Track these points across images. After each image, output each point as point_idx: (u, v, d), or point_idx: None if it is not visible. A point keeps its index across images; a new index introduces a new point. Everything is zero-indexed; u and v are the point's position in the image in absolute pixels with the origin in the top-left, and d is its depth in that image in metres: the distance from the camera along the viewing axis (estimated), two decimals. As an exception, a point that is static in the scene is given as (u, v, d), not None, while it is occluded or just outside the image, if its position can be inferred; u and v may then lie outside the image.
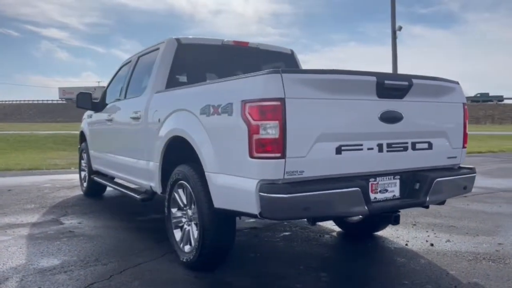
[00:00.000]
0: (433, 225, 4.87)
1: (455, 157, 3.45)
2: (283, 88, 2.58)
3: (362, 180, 2.90)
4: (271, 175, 2.59)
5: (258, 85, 2.66)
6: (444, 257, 3.71)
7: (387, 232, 4.51)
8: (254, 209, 2.62)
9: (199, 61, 4.54)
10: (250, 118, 2.63)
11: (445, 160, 3.39)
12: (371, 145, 2.94)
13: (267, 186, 2.57)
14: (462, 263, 3.56)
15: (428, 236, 4.42)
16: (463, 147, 3.49)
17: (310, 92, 2.66)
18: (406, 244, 4.11)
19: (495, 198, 6.59)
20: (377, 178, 3.05)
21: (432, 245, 4.09)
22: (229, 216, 3.17)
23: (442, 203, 3.40)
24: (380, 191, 3.07)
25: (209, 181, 3.04)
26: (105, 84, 8.70)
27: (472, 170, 3.47)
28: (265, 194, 2.55)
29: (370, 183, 3.00)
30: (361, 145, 2.89)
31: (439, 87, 3.28)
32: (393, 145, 3.04)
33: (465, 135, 3.49)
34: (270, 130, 2.57)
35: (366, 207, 2.81)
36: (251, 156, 2.63)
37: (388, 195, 3.11)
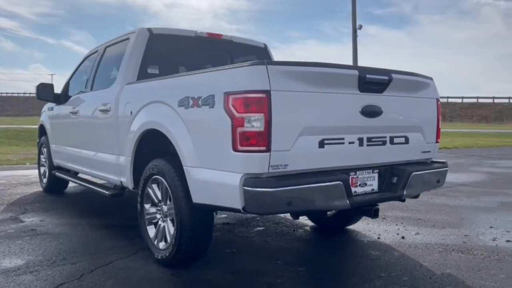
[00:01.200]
0: (402, 219, 4.99)
1: (429, 151, 3.53)
2: (268, 80, 2.53)
3: (344, 174, 2.91)
4: (256, 168, 2.54)
5: (243, 77, 2.59)
6: (416, 249, 3.80)
7: (359, 226, 4.57)
8: (238, 204, 2.56)
9: (172, 52, 4.40)
10: (234, 111, 2.56)
11: (420, 154, 3.46)
12: (352, 139, 2.94)
13: (251, 180, 2.51)
14: (434, 255, 3.65)
15: (398, 229, 4.51)
16: (436, 141, 3.58)
17: (295, 85, 2.62)
18: (379, 238, 4.18)
19: (455, 192, 6.85)
20: (357, 172, 3.06)
21: (403, 238, 4.18)
22: (208, 211, 3.09)
23: (416, 196, 3.47)
24: (359, 185, 3.08)
25: (188, 175, 2.95)
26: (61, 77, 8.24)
27: (444, 164, 3.56)
28: (250, 188, 2.50)
29: (350, 177, 3.01)
30: (343, 139, 2.89)
31: (416, 83, 3.34)
32: (373, 139, 3.07)
33: (438, 130, 3.58)
34: (255, 123, 2.51)
35: (347, 201, 2.81)
36: (235, 150, 2.56)
37: (367, 188, 3.13)
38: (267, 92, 2.51)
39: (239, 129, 2.54)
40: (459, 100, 69.91)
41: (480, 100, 68.77)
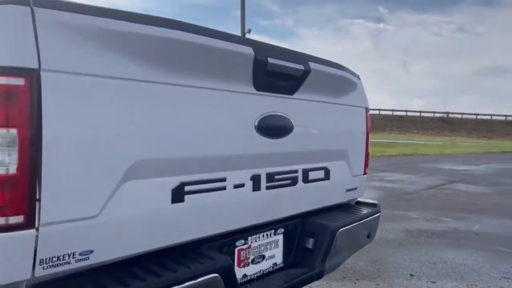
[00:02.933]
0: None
1: (355, 188, 2.29)
2: (36, 45, 0.99)
3: (224, 247, 1.49)
4: (3, 273, 0.98)
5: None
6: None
7: None
8: None
9: None
10: None
11: (344, 194, 2.20)
12: (240, 179, 1.53)
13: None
14: None
15: None
16: (364, 173, 2.36)
17: (103, 63, 1.12)
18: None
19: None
20: (249, 239, 1.66)
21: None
22: None
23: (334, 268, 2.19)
24: (253, 261, 1.69)
25: None
26: None
27: (376, 208, 2.35)
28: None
29: (237, 250, 1.60)
30: (224, 180, 1.46)
31: (342, 80, 2.06)
32: (276, 177, 1.69)
33: (367, 155, 2.36)
34: (-6, 155, 0.96)
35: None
36: None
37: (265, 265, 1.75)
38: (32, 75, 0.98)
39: None
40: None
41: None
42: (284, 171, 1.73)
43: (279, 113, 1.66)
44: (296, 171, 1.80)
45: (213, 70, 1.40)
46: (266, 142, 1.61)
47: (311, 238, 1.88)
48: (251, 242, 1.66)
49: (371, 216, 2.23)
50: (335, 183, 2.08)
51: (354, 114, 2.21)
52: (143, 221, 1.21)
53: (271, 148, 1.64)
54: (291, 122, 1.71)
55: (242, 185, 1.54)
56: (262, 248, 1.73)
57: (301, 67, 1.69)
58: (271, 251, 1.77)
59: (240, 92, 1.51)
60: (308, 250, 1.88)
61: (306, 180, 1.86)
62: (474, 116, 57.53)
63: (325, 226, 1.89)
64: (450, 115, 57.53)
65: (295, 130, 1.74)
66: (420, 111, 58.25)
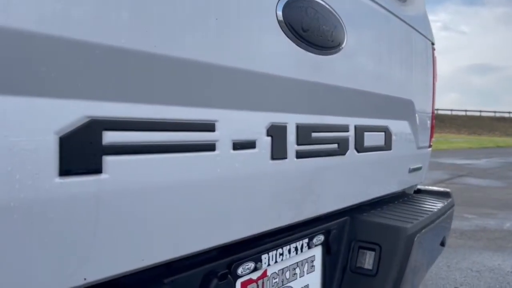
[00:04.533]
0: None
1: (420, 168, 1.46)
2: None
3: (212, 280, 0.64)
4: None
5: None
6: None
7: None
8: None
9: None
10: None
11: (405, 175, 1.36)
12: (243, 131, 0.69)
13: None
14: None
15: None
16: (429, 145, 1.53)
17: None
18: None
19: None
20: (264, 259, 0.81)
21: None
22: None
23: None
24: (270, 303, 0.83)
25: None
26: None
27: (450, 201, 1.50)
28: None
29: (240, 284, 0.75)
30: (206, 126, 0.62)
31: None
32: (314, 134, 0.85)
33: (433, 117, 1.53)
34: None
35: None
36: None
37: (292, 305, 0.90)
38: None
39: None
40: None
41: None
42: (328, 126, 0.89)
43: (322, 1, 0.82)
44: (346, 128, 0.96)
45: None
46: (298, 55, 0.77)
47: (371, 252, 1.04)
48: (267, 264, 0.82)
49: (447, 211, 1.40)
50: (397, 157, 1.24)
51: (419, 45, 1.37)
52: None
53: (307, 71, 0.80)
54: (341, 24, 0.87)
55: (250, 145, 0.69)
56: (287, 275, 0.88)
57: None
58: (303, 279, 0.93)
59: None
60: (366, 273, 1.03)
61: (360, 146, 1.02)
62: (463, 113, 57.39)
63: (395, 230, 1.04)
64: (440, 112, 57.35)
65: (347, 43, 0.90)
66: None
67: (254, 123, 0.70)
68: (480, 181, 8.66)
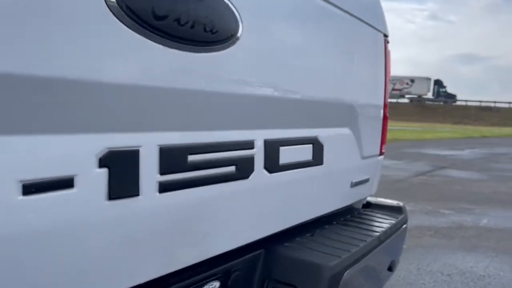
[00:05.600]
0: None
1: (367, 180, 1.25)
2: None
3: None
4: None
5: None
6: None
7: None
8: None
9: None
10: None
11: (346, 192, 1.16)
12: (78, 163, 0.47)
13: None
14: None
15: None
16: (381, 152, 1.33)
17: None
18: None
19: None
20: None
21: None
22: None
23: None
24: None
25: None
26: None
27: (403, 217, 1.31)
28: None
29: None
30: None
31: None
32: (191, 158, 0.64)
33: (385, 121, 1.33)
34: None
35: None
36: None
37: None
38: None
39: None
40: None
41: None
42: (217, 144, 0.68)
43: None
44: (248, 145, 0.75)
45: None
46: (151, 53, 0.55)
47: (285, 295, 0.84)
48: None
49: (397, 231, 1.20)
50: (332, 172, 1.04)
51: (366, 38, 1.16)
52: None
53: (172, 75, 0.59)
54: (231, 9, 0.65)
55: (58, 185, 0.48)
56: None
57: None
58: None
59: None
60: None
61: (273, 165, 0.81)
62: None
63: (315, 268, 0.84)
64: (427, 101, 57.57)
65: (244, 34, 0.68)
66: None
67: (71, 151, 0.49)
68: (462, 173, 8.57)
